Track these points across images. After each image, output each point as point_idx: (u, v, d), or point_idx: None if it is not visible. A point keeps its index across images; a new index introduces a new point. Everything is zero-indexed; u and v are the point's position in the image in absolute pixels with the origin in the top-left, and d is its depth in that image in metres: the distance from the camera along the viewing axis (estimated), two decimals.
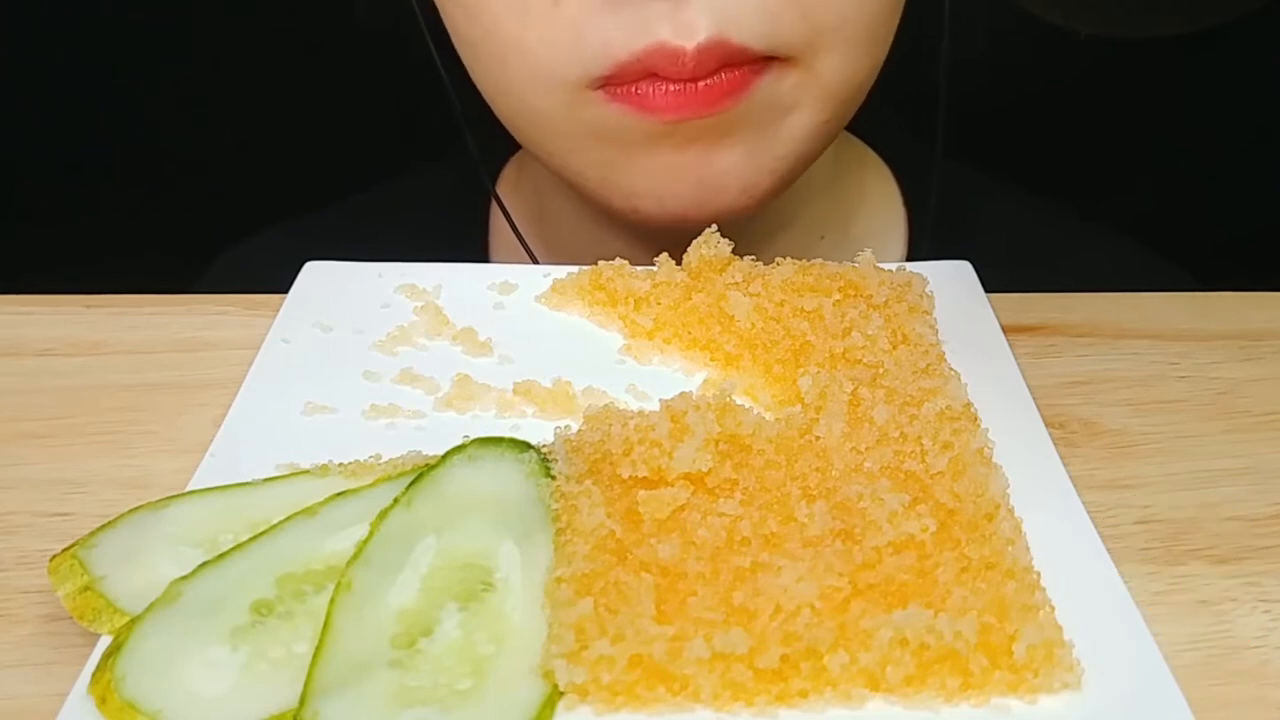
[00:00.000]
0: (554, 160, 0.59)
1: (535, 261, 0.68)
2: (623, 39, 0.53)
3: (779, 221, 0.66)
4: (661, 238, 0.57)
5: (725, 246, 0.53)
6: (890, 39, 0.59)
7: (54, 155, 0.89)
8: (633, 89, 0.54)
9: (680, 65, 0.53)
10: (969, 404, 0.46)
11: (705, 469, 0.42)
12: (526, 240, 0.69)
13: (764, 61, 0.55)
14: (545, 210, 0.70)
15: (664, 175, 0.56)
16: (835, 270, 0.53)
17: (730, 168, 0.57)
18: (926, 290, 0.52)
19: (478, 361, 0.52)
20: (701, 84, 0.53)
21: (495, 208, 0.72)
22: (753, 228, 0.63)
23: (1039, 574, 0.40)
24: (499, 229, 0.73)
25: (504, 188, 0.74)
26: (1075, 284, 0.58)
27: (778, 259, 0.54)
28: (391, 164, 0.76)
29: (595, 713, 0.36)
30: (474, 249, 0.73)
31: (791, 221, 0.67)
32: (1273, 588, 0.41)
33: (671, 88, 0.53)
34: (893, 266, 0.55)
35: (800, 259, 0.54)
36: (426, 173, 0.76)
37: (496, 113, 0.60)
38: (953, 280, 0.55)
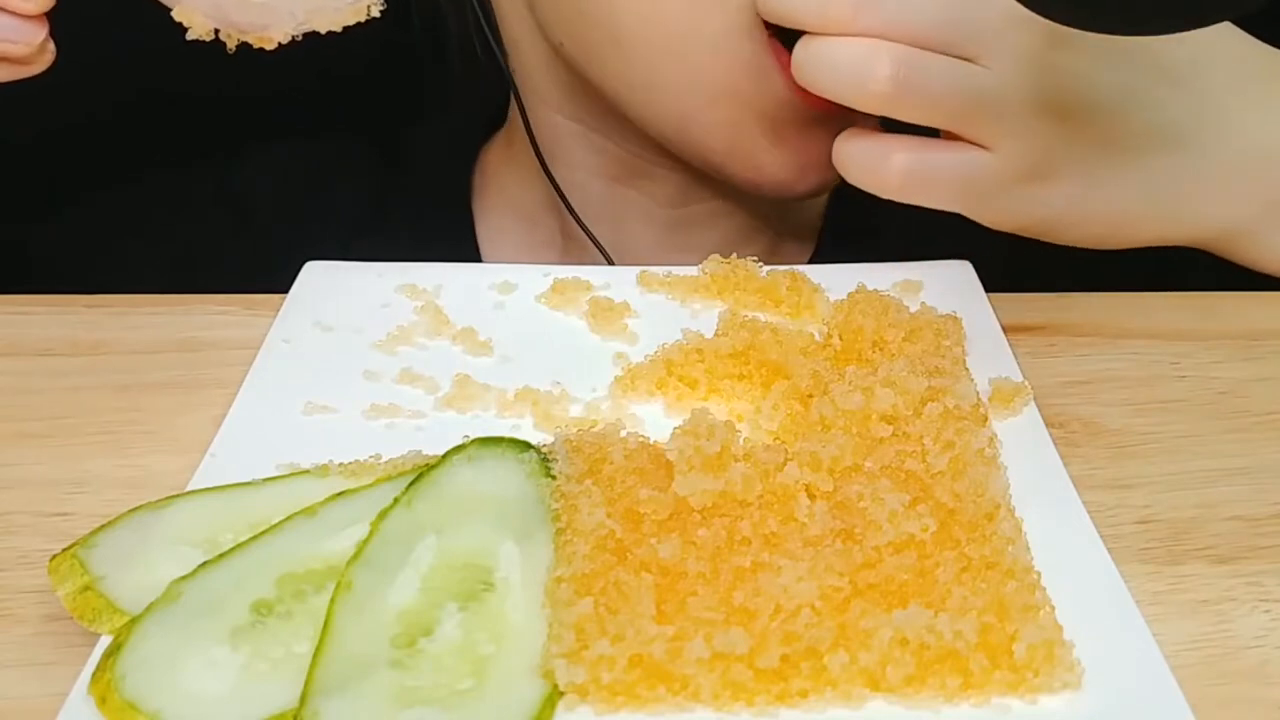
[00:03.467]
0: (673, 116, 0.60)
1: (559, 194, 0.68)
2: None
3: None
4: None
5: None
6: None
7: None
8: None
9: None
10: (978, 403, 0.46)
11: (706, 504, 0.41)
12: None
13: None
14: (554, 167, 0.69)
15: (794, 155, 0.60)
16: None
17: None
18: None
19: (478, 361, 0.52)
20: None
21: (478, 174, 0.73)
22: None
23: (1039, 574, 0.40)
24: (483, 189, 0.73)
25: (493, 154, 0.74)
26: (1075, 284, 0.58)
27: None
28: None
29: (595, 713, 0.36)
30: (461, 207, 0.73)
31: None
32: (1273, 588, 0.41)
33: None
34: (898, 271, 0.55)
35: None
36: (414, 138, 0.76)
37: (625, 65, 0.60)
38: (953, 280, 0.55)
